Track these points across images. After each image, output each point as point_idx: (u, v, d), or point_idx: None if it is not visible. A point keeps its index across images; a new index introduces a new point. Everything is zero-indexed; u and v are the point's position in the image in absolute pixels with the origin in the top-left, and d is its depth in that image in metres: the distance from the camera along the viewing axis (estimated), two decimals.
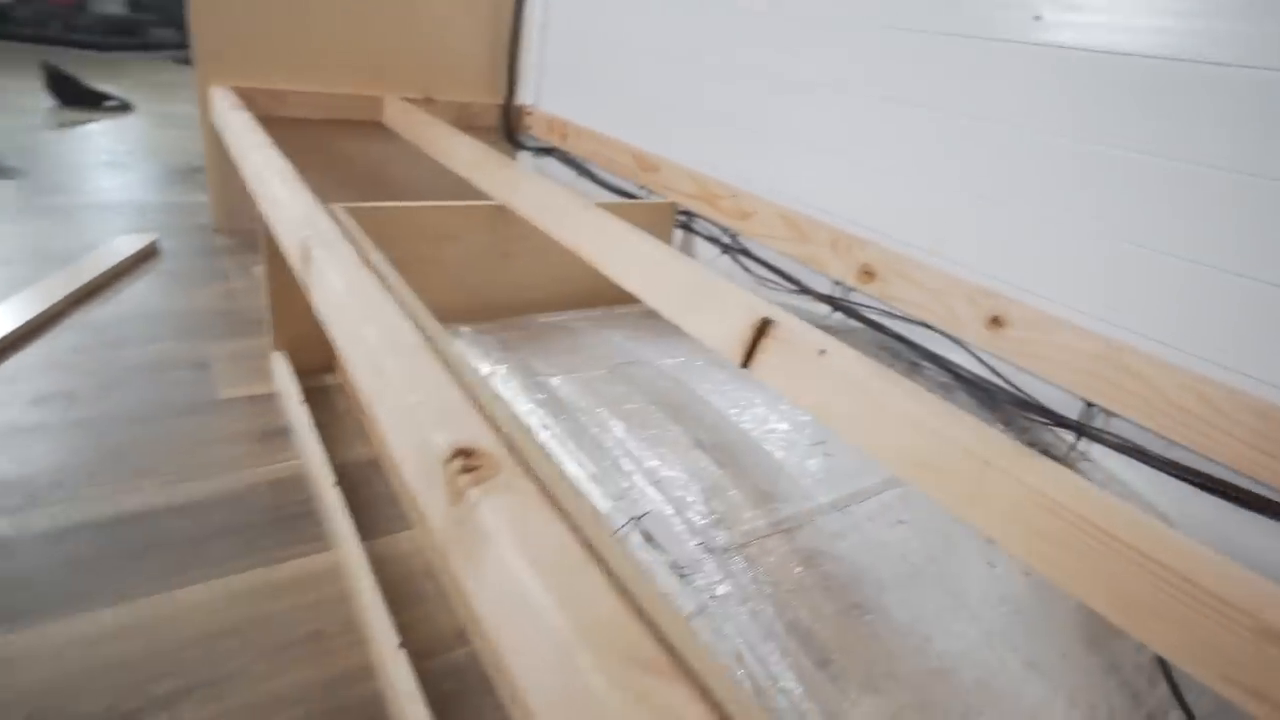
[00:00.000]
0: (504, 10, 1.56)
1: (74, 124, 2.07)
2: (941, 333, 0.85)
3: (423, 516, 0.49)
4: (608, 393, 0.77)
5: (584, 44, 1.47)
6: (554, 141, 1.56)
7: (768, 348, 0.62)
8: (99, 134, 2.01)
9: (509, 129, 1.65)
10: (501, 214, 1.04)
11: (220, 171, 1.40)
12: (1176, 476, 0.67)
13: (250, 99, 1.31)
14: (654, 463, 0.67)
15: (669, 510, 0.61)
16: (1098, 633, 0.58)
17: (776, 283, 1.05)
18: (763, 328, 0.62)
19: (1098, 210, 0.71)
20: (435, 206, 0.98)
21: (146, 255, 1.26)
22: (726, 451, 0.70)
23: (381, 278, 0.59)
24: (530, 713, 0.28)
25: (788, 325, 0.61)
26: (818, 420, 0.59)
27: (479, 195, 1.14)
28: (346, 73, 1.45)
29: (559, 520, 0.32)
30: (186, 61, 3.50)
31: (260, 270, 1.27)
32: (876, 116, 0.90)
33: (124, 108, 2.36)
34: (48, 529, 0.65)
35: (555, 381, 0.79)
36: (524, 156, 1.68)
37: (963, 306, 0.81)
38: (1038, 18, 0.74)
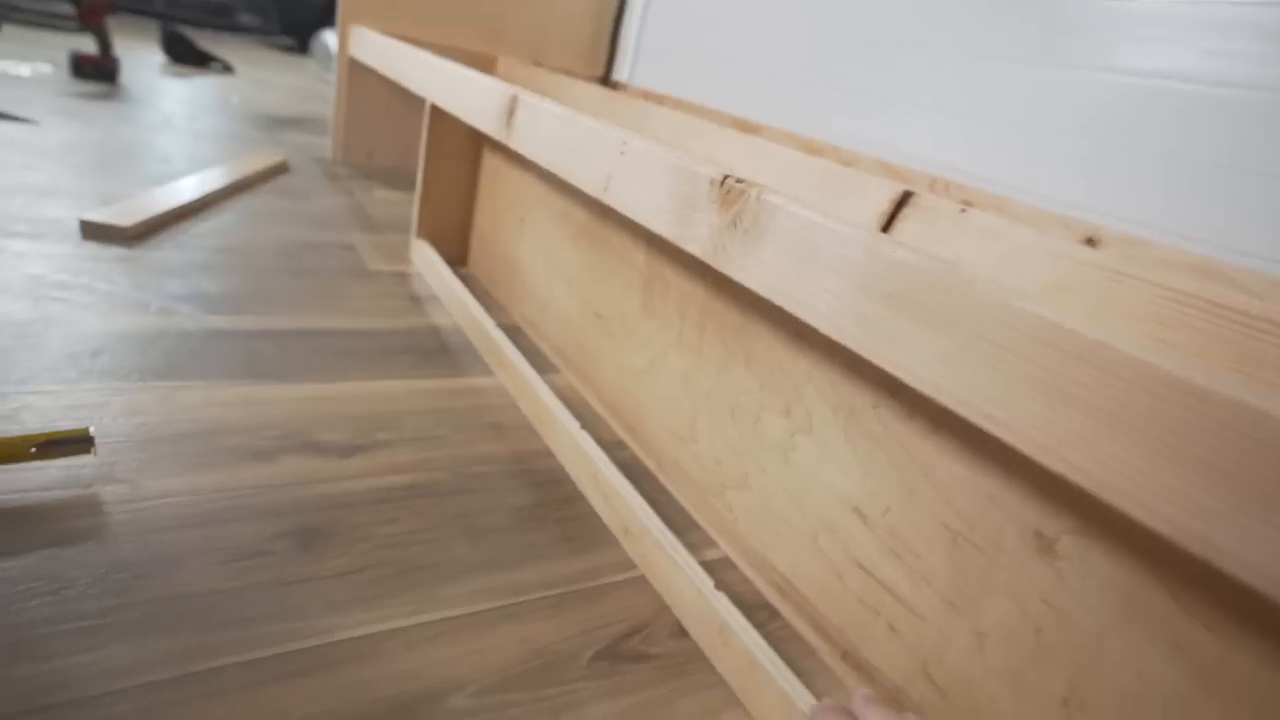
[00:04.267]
0: None
1: (187, 75, 2.22)
2: None
3: (691, 241, 0.58)
4: None
5: (683, 22, 1.60)
6: None
7: (908, 215, 0.71)
8: (211, 85, 2.15)
9: None
10: None
11: (345, 109, 1.52)
12: None
13: None
14: None
15: None
16: None
17: None
18: (903, 199, 0.71)
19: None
20: None
21: (281, 169, 1.37)
22: None
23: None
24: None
25: (926, 197, 0.70)
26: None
27: None
28: (466, 30, 1.58)
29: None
30: (270, 46, 3.70)
31: (381, 193, 1.38)
32: (967, 71, 1.01)
33: (227, 69, 2.51)
34: (264, 329, 0.74)
35: None
36: None
37: (1061, 232, 0.90)
38: None
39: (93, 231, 0.88)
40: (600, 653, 0.45)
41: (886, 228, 0.72)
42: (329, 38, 3.16)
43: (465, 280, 1.02)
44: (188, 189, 1.07)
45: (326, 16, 3.99)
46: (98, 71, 1.83)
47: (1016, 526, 0.37)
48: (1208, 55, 0.80)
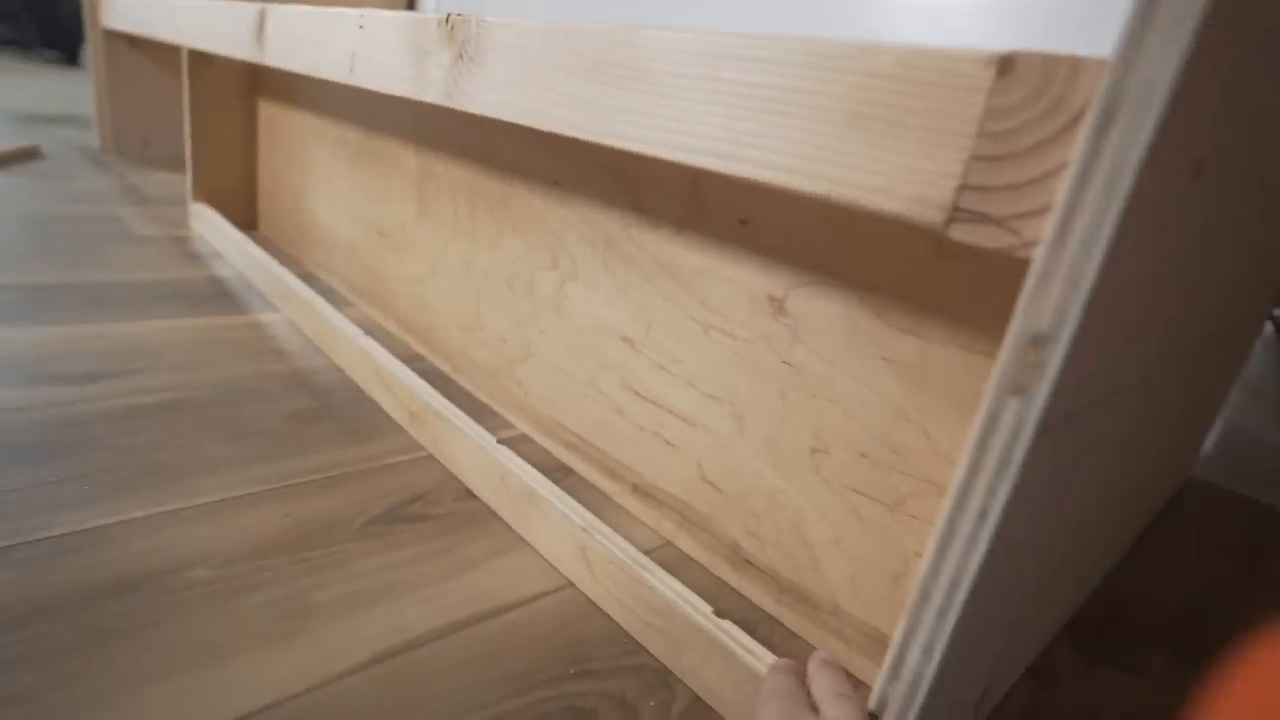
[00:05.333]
0: None
1: None
2: None
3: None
4: None
5: None
6: None
7: None
8: None
9: None
10: None
11: (109, 91, 1.37)
12: None
13: None
14: None
15: None
16: None
17: None
18: None
19: None
20: None
21: (30, 154, 1.22)
22: None
23: None
24: None
25: None
26: None
27: None
28: None
29: None
30: (33, 57, 3.29)
31: (159, 176, 1.26)
32: None
33: None
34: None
35: None
36: None
37: None
38: None
39: None
40: (375, 518, 0.43)
41: None
42: None
43: (255, 242, 0.95)
44: None
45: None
46: None
47: (752, 299, 0.39)
48: None
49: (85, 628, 0.31)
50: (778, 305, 0.38)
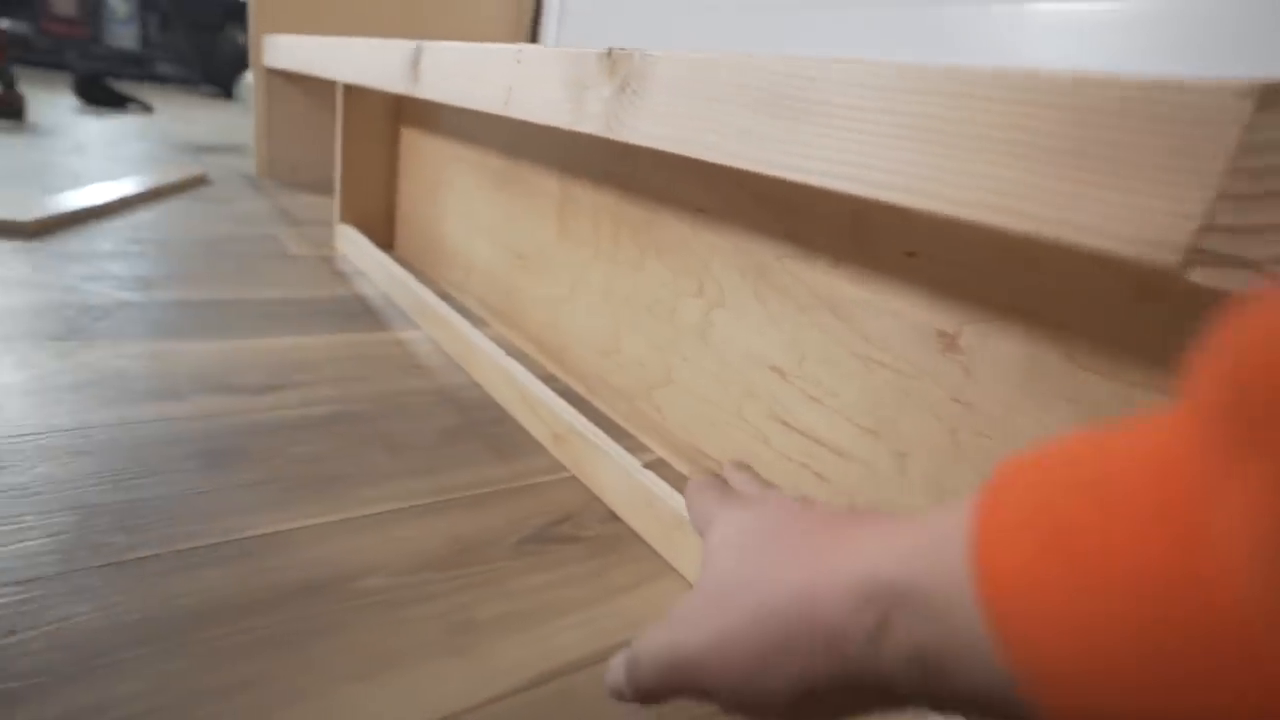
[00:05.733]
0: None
1: (103, 116, 2.17)
2: None
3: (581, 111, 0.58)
4: None
5: (603, 25, 1.63)
6: None
7: None
8: (129, 120, 2.11)
9: None
10: None
11: (268, 124, 1.50)
12: None
13: None
14: None
15: None
16: None
17: None
18: None
19: None
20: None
21: (200, 181, 1.34)
22: None
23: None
24: None
25: None
26: None
27: None
28: (384, 26, 1.58)
29: None
30: (195, 93, 3.65)
31: (306, 199, 1.36)
32: None
33: (146, 109, 2.47)
34: (176, 300, 0.72)
35: None
36: None
37: None
38: None
39: None
40: (527, 538, 0.44)
41: None
42: (252, 80, 3.13)
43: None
44: (95, 193, 1.04)
45: (248, 61, 3.97)
46: (2, 109, 1.78)
47: (919, 333, 0.38)
48: None
49: (282, 626, 0.34)
50: (949, 341, 0.37)
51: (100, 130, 1.83)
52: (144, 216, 1.03)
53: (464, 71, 0.64)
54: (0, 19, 3.50)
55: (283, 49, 1.30)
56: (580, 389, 0.66)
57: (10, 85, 1.79)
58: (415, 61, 0.74)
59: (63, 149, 1.46)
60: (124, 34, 3.72)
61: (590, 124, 0.47)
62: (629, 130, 0.43)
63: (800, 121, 0.33)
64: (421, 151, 0.97)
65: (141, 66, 3.76)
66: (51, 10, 3.42)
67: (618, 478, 0.48)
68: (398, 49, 0.78)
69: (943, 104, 0.27)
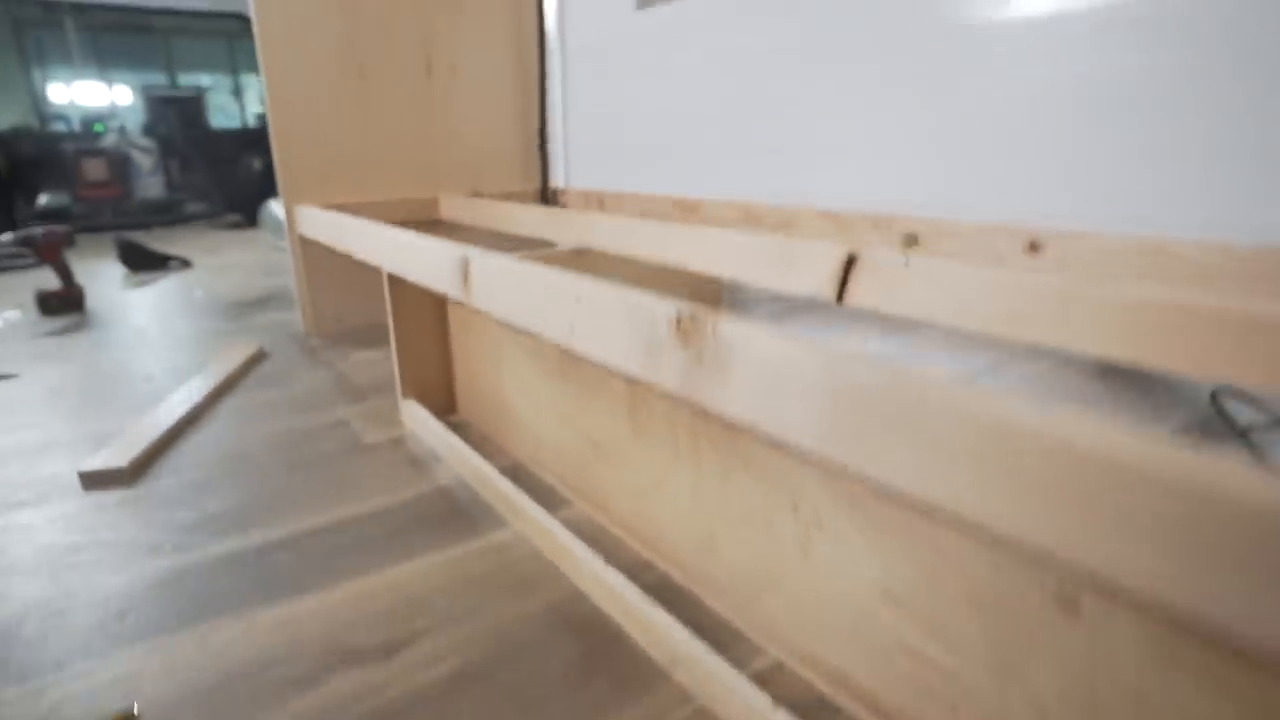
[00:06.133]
0: (530, 106, 1.78)
1: (149, 283, 2.28)
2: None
3: (651, 377, 0.59)
4: None
5: (603, 123, 1.67)
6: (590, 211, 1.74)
7: (859, 277, 0.74)
8: (172, 285, 2.21)
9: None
10: (580, 255, 1.18)
11: (309, 282, 1.56)
12: None
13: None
14: None
15: None
16: None
17: None
18: (850, 262, 0.74)
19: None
20: (525, 256, 1.13)
21: (258, 358, 1.40)
22: None
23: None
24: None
25: (871, 253, 0.73)
26: (924, 320, 0.70)
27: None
28: (404, 181, 1.65)
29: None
30: (218, 227, 3.82)
31: (358, 356, 1.41)
32: (880, 106, 1.06)
33: (185, 264, 2.59)
34: (278, 539, 0.75)
35: None
36: None
37: (1002, 241, 0.93)
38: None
39: (92, 481, 0.89)
40: None
41: (841, 295, 0.75)
42: (275, 207, 3.27)
43: (459, 429, 1.04)
44: (173, 409, 1.09)
45: (268, 185, 4.14)
46: (64, 304, 1.88)
47: (1037, 591, 0.38)
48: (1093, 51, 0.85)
49: None
50: (1070, 604, 0.37)
51: (151, 304, 1.92)
52: (219, 425, 1.08)
53: (518, 295, 0.66)
54: (40, 195, 3.73)
55: (319, 223, 1.36)
56: (678, 575, 0.67)
57: (68, 279, 1.90)
58: (464, 273, 0.77)
59: (126, 342, 1.54)
60: (151, 184, 3.92)
61: (669, 383, 0.49)
62: (712, 400, 0.45)
63: (900, 436, 0.34)
64: (474, 328, 1.01)
65: (171, 212, 3.95)
66: (85, 179, 3.62)
67: (748, 715, 0.49)
68: (443, 255, 0.81)
69: (1047, 467, 0.28)
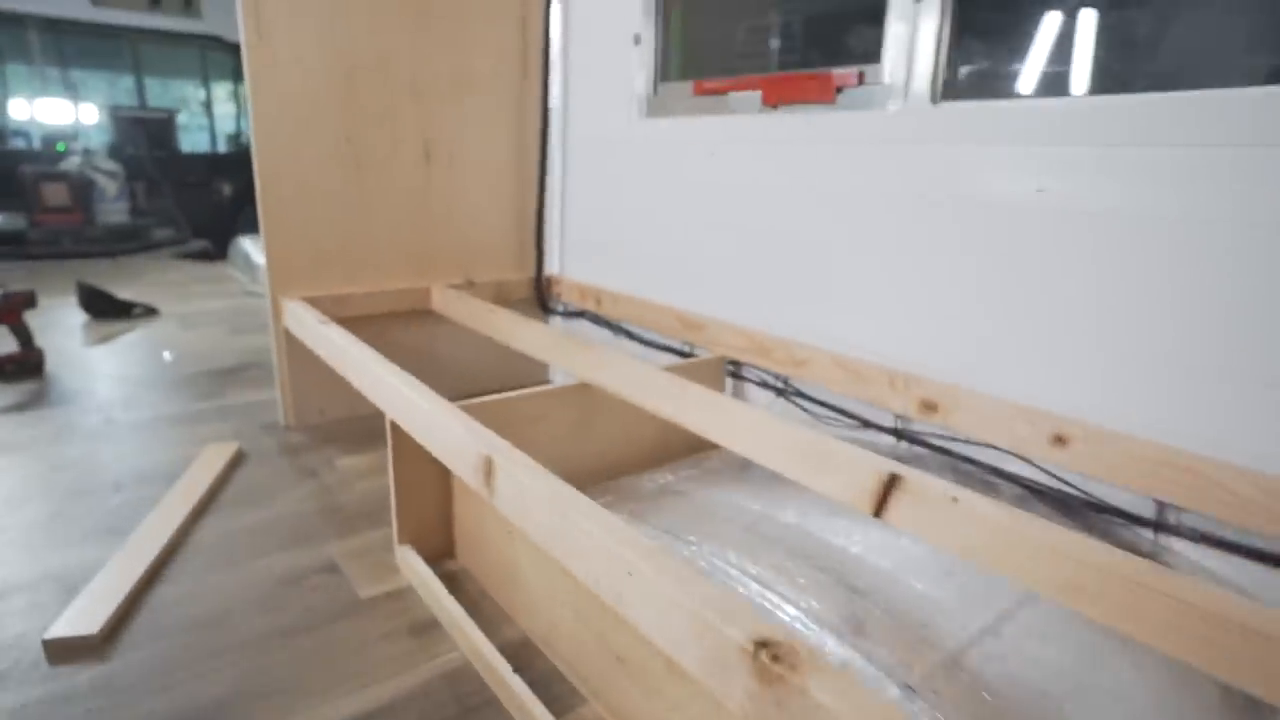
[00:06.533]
0: (525, 198, 1.75)
1: (112, 337, 2.17)
2: (1008, 452, 0.96)
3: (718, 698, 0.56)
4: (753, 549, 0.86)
5: (606, 220, 1.65)
6: (586, 306, 1.71)
7: (898, 500, 0.72)
8: (138, 340, 2.11)
9: (540, 298, 1.80)
10: (583, 392, 1.15)
11: (290, 372, 1.50)
12: (1253, 558, 0.77)
13: (316, 305, 1.44)
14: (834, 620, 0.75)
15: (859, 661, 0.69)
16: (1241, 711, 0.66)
17: (837, 419, 1.17)
18: (891, 482, 0.72)
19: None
20: (529, 394, 1.09)
21: (235, 461, 1.33)
22: (879, 592, 0.78)
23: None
24: None
25: (913, 479, 0.71)
26: (961, 556, 0.68)
27: (523, 364, 1.23)
28: (398, 271, 1.60)
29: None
30: (185, 255, 3.68)
31: (344, 463, 1.35)
32: (910, 266, 1.06)
33: (150, 312, 2.48)
34: None
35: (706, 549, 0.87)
36: (555, 321, 1.82)
37: (1023, 428, 0.93)
38: (1040, 190, 0.90)
39: (59, 652, 0.82)
40: None
41: (879, 510, 0.73)
42: (247, 246, 3.16)
43: (458, 582, 0.99)
44: (146, 548, 1.02)
45: (238, 211, 4.02)
46: (21, 369, 1.78)
47: None
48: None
49: None
50: None
51: (116, 371, 1.82)
52: (198, 565, 1.01)
53: (552, 522, 0.63)
54: None
55: (308, 329, 1.30)
56: None
57: (28, 342, 1.80)
58: (487, 471, 0.73)
59: (90, 430, 1.45)
60: (115, 209, 3.77)
61: (733, 703, 0.46)
62: None
63: None
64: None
65: (136, 239, 3.80)
66: (45, 204, 3.47)
67: None
68: (465, 443, 0.77)
69: None
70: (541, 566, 0.83)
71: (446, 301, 1.59)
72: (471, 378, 1.78)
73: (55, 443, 1.39)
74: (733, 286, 1.34)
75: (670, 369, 1.18)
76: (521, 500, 0.68)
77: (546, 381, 1.90)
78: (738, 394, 1.36)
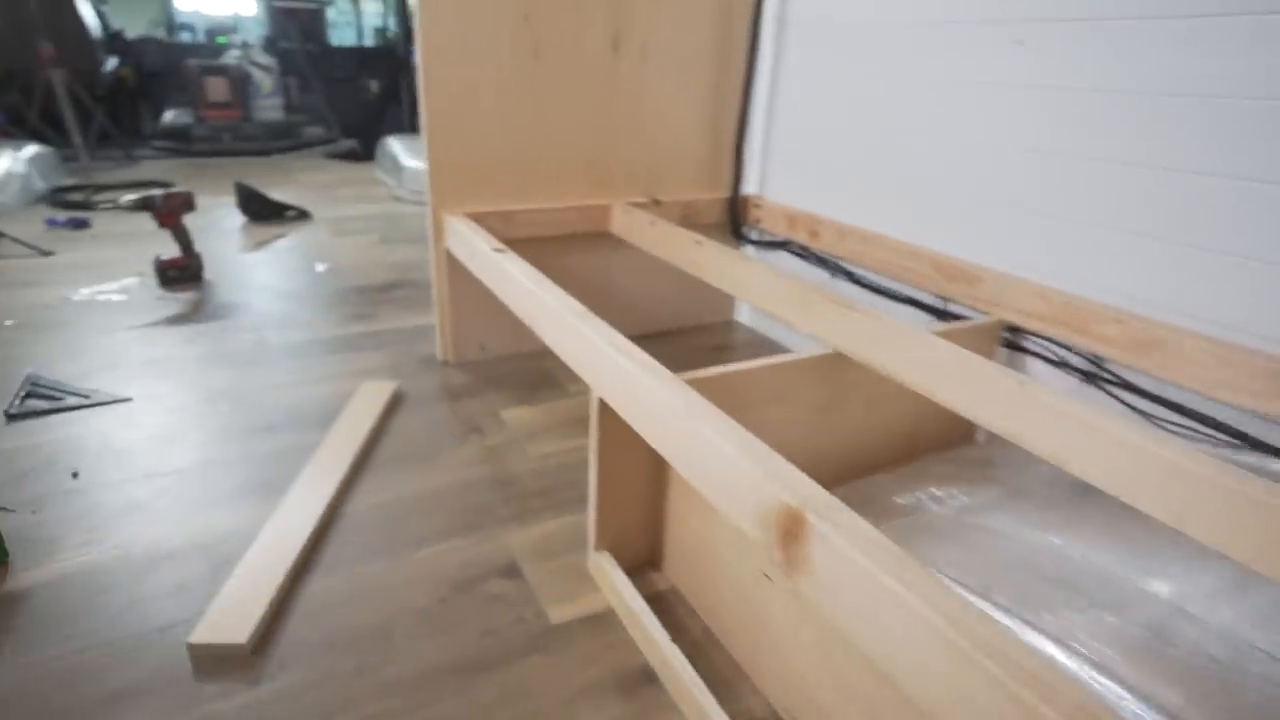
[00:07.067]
0: (724, 99, 1.42)
1: (266, 242, 2.08)
2: None
3: None
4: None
5: (830, 129, 1.30)
6: (795, 236, 1.39)
7: None
8: (291, 250, 2.00)
9: (735, 223, 1.49)
10: (835, 363, 0.86)
11: (449, 305, 1.30)
12: None
13: (482, 223, 1.21)
14: None
15: None
16: None
17: (1193, 431, 0.82)
18: None
19: None
20: (769, 365, 0.81)
21: (393, 405, 1.16)
22: None
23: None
24: None
25: None
26: None
27: (706, 298, 0.96)
28: (573, 185, 1.34)
29: None
30: (334, 155, 3.61)
31: (511, 416, 1.15)
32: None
33: (303, 215, 2.39)
34: None
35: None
36: (748, 251, 1.52)
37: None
38: None
39: (205, 662, 0.67)
40: None
41: None
42: (396, 148, 3.01)
43: (663, 605, 0.76)
44: (298, 522, 0.85)
45: (382, 110, 3.89)
46: (182, 275, 1.70)
47: None
48: None
49: None
50: None
51: (271, 283, 1.71)
52: (352, 552, 0.84)
53: (887, 624, 0.36)
54: (166, 112, 3.60)
55: (476, 255, 1.08)
56: None
57: (188, 247, 1.71)
58: (788, 531, 0.47)
59: (243, 355, 1.32)
60: (270, 106, 3.74)
61: None
62: None
63: None
64: None
65: (289, 137, 3.77)
66: (208, 98, 3.46)
67: None
68: (751, 483, 0.51)
69: None
70: (802, 623, 0.58)
71: (630, 224, 1.33)
72: (647, 311, 1.53)
73: (208, 366, 1.27)
74: (1025, 231, 0.99)
75: (941, 334, 0.87)
76: (838, 584, 0.42)
77: (729, 319, 1.62)
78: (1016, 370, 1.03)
